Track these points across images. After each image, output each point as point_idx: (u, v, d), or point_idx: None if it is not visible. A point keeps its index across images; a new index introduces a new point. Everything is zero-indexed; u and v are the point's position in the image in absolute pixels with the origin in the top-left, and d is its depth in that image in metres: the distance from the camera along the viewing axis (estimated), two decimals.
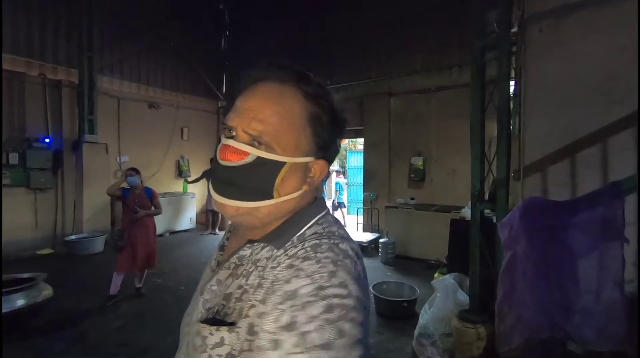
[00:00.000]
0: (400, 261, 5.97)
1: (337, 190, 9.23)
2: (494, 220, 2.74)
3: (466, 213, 4.54)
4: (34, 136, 6.43)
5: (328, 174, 0.63)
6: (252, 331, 0.51)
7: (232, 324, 0.53)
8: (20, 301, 3.24)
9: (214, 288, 0.60)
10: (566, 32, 2.41)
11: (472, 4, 3.02)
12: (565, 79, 2.43)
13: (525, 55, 2.63)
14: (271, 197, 0.56)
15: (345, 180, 12.87)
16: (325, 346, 0.45)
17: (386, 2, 7.46)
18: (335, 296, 0.48)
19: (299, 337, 0.45)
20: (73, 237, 6.51)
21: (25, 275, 3.64)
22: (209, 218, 8.07)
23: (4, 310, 3.04)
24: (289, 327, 0.46)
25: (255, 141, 0.55)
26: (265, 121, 0.54)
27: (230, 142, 0.56)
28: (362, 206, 8.05)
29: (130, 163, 7.17)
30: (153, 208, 4.29)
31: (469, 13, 3.95)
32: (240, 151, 0.55)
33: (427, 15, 7.01)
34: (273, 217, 0.59)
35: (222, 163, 0.56)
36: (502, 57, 2.67)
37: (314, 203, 0.64)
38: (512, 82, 3.14)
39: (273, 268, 0.54)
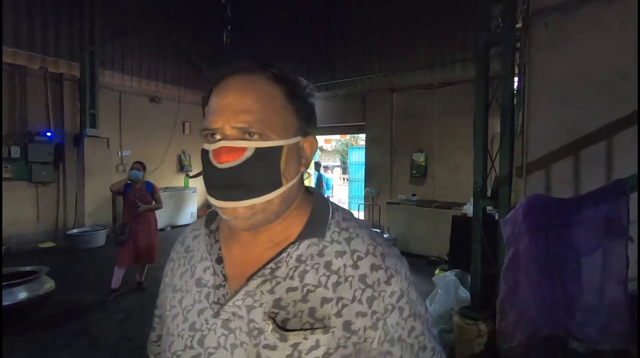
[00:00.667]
0: None
1: (323, 184, 9.15)
2: (496, 217, 2.73)
3: (468, 209, 4.53)
4: (35, 130, 6.44)
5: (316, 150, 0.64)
6: (349, 329, 0.54)
7: (324, 327, 0.54)
8: (22, 295, 3.25)
9: (240, 302, 0.55)
10: (572, 28, 2.38)
11: None
12: (570, 75, 2.39)
13: (529, 51, 2.60)
14: (281, 185, 0.54)
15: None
16: (426, 308, 0.62)
17: None
18: (409, 273, 0.60)
19: (422, 317, 0.59)
20: (75, 231, 6.54)
21: (28, 268, 3.66)
22: (207, 214, 8.09)
23: (6, 303, 3.05)
24: (414, 316, 0.58)
25: (246, 134, 0.53)
26: (249, 110, 0.53)
27: (223, 143, 0.52)
28: (363, 202, 8.04)
29: (132, 157, 7.17)
30: (154, 202, 4.29)
31: (473, 8, 3.91)
32: (237, 148, 0.52)
33: (430, 11, 6.95)
34: (285, 206, 0.57)
35: (221, 166, 0.52)
36: (506, 53, 2.64)
37: (311, 190, 0.67)
38: (516, 78, 3.12)
39: (351, 266, 0.57)
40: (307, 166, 0.61)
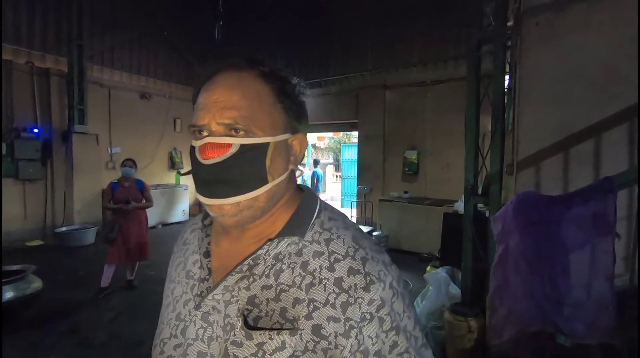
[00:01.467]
0: (393, 254, 5.95)
1: (316, 180, 9.17)
2: (487, 214, 2.76)
3: (459, 207, 4.57)
4: (22, 126, 6.31)
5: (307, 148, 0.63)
6: (319, 333, 0.51)
7: (292, 328, 0.52)
8: (9, 294, 3.19)
9: (219, 296, 0.56)
10: (563, 26, 2.40)
11: None
12: (561, 73, 2.42)
13: (520, 49, 2.62)
14: (266, 182, 0.55)
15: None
16: (415, 323, 0.56)
17: None
18: (397, 284, 0.56)
19: (405, 332, 0.54)
20: (63, 229, 6.43)
21: (14, 267, 3.59)
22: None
23: None
24: (396, 329, 0.53)
25: (232, 130, 0.53)
26: (236, 107, 0.53)
27: (208, 139, 0.53)
28: (355, 199, 8.06)
29: (122, 154, 7.08)
30: (144, 200, 4.24)
31: (465, 6, 3.92)
32: (222, 144, 0.52)
33: (423, 8, 6.96)
34: (271, 203, 0.57)
35: (206, 162, 0.53)
36: (497, 51, 2.66)
37: (299, 186, 0.66)
38: (507, 77, 3.14)
39: (327, 268, 0.54)
40: (297, 164, 0.61)
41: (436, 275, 3.13)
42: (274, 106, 0.56)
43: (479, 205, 2.91)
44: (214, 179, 0.53)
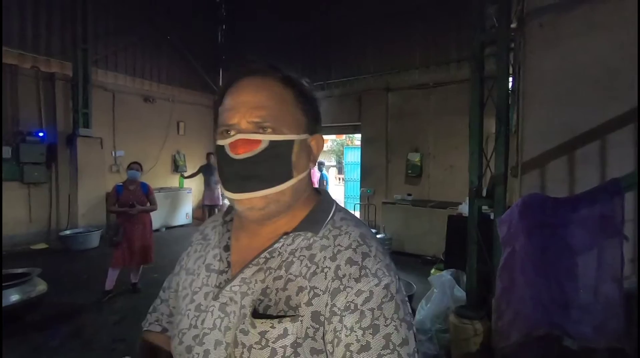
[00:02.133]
0: (397, 257, 5.98)
1: (325, 182, 9.20)
2: (492, 217, 2.74)
3: (463, 209, 4.55)
4: (27, 130, 6.35)
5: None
6: (317, 319, 0.53)
7: (293, 315, 0.53)
8: (14, 297, 3.21)
9: (237, 288, 0.59)
10: (566, 28, 2.39)
11: None
12: (564, 75, 2.41)
13: (524, 51, 2.61)
14: (292, 177, 0.58)
15: (342, 175, 12.87)
16: (404, 342, 0.52)
17: None
18: (397, 291, 0.55)
19: (385, 339, 0.50)
20: (68, 232, 6.46)
21: (20, 270, 3.61)
22: (206, 213, 8.03)
23: None
24: (374, 328, 0.51)
25: (260, 128, 0.57)
26: (264, 107, 0.57)
27: (240, 135, 0.56)
28: (359, 202, 8.05)
29: (126, 157, 7.12)
30: (149, 204, 4.26)
31: (468, 8, 3.92)
32: (252, 140, 0.56)
33: (426, 10, 6.97)
34: (295, 198, 0.61)
35: (237, 157, 0.56)
36: (501, 53, 2.66)
37: (320, 190, 0.70)
38: (510, 78, 3.13)
39: (330, 258, 0.56)
40: (315, 163, 0.64)
41: (441, 277, 3.11)
42: (296, 107, 0.61)
43: (484, 207, 2.90)
44: (244, 174, 0.56)
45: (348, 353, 0.50)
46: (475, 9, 2.94)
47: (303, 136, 0.61)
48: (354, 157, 11.77)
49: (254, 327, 0.54)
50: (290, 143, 0.58)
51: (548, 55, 2.48)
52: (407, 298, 0.57)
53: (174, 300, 0.74)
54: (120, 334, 3.28)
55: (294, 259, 0.58)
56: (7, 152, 5.99)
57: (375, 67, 7.77)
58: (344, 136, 16.23)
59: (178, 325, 0.65)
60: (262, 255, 0.59)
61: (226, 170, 0.58)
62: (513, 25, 2.99)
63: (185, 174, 8.65)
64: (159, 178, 8.50)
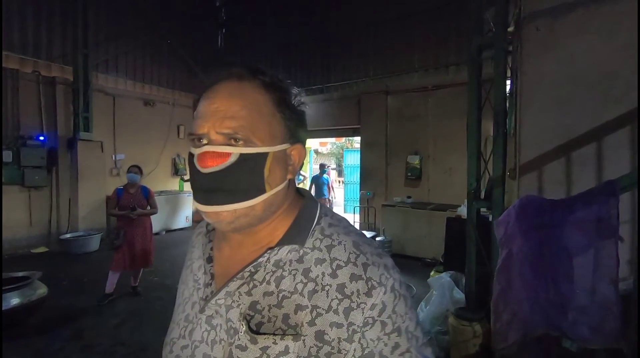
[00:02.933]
0: (397, 259, 5.97)
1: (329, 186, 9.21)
2: (490, 219, 2.75)
3: (462, 211, 4.56)
4: (28, 134, 6.38)
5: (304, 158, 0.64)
6: (322, 339, 0.52)
7: (294, 333, 0.53)
8: (15, 300, 3.21)
9: (222, 301, 0.58)
10: (563, 32, 2.42)
11: (470, 2, 3.02)
12: (561, 78, 2.43)
13: (521, 54, 2.64)
14: (264, 191, 0.55)
15: (341, 178, 12.88)
16: (417, 326, 0.57)
17: (384, 1, 7.45)
18: (399, 286, 0.56)
19: (407, 333, 0.55)
20: (68, 235, 6.47)
21: (20, 274, 3.62)
22: None
23: None
24: (397, 331, 0.54)
25: (231, 139, 0.53)
26: (236, 117, 0.53)
27: (207, 148, 0.53)
28: (358, 204, 8.06)
29: (126, 161, 7.14)
30: (149, 207, 4.27)
31: (466, 12, 3.95)
32: (221, 153, 0.53)
33: (424, 14, 7.01)
34: (269, 212, 0.58)
35: (204, 170, 0.53)
36: (498, 56, 2.68)
37: (302, 193, 0.67)
38: (508, 81, 3.16)
39: (329, 275, 0.55)
40: (295, 174, 0.61)
41: (440, 279, 3.12)
42: (274, 116, 0.56)
43: (482, 209, 2.91)
44: (211, 187, 0.54)
45: None
46: (473, 13, 2.97)
47: (280, 147, 0.57)
48: (353, 160, 11.80)
49: (254, 342, 0.53)
50: (263, 155, 0.54)
51: (545, 58, 2.50)
52: (403, 281, 0.58)
53: None
54: (120, 337, 3.29)
55: (285, 273, 0.56)
56: (7, 156, 6.02)
57: (375, 70, 7.81)
58: (343, 139, 16.25)
59: (170, 333, 0.66)
60: (247, 269, 0.57)
61: (194, 181, 0.55)
62: (510, 29, 3.02)
63: (186, 178, 8.67)
64: (159, 181, 8.52)
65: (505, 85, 2.75)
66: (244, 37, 9.70)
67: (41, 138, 6.52)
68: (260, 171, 0.54)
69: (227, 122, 0.53)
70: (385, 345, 0.53)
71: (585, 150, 2.31)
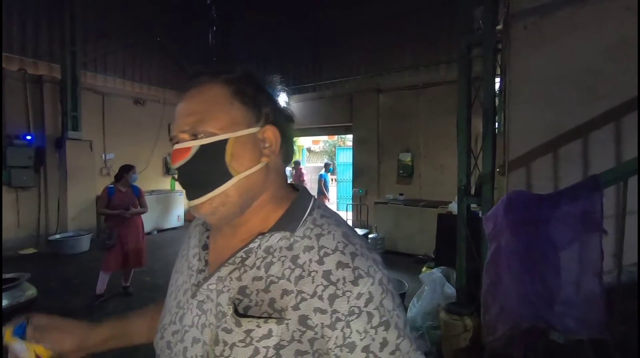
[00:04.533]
0: (390, 256, 6.03)
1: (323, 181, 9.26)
2: (480, 214, 2.79)
3: (453, 207, 4.61)
4: (14, 133, 6.27)
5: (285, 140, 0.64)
6: (305, 323, 0.53)
7: (279, 317, 0.54)
8: (3, 302, 3.16)
9: (213, 286, 0.59)
10: (550, 30, 2.45)
11: (459, 1, 3.05)
12: (548, 75, 2.47)
13: (510, 52, 2.67)
14: (230, 176, 0.57)
15: (334, 176, 12.93)
16: (406, 323, 0.57)
17: (376, 0, 7.47)
18: (388, 282, 0.57)
19: (396, 329, 0.55)
20: (57, 236, 6.38)
21: (8, 275, 3.56)
22: None
23: None
24: (385, 325, 0.54)
25: (193, 136, 0.57)
26: (192, 113, 0.58)
27: (175, 146, 0.59)
28: (351, 202, 8.09)
29: (117, 160, 7.06)
30: (139, 206, 4.24)
31: (456, 11, 3.98)
32: (183, 149, 0.57)
33: (416, 13, 7.05)
34: (247, 197, 0.59)
35: (174, 166, 0.58)
36: (487, 54, 2.71)
37: (298, 187, 0.69)
38: (498, 79, 3.20)
39: (316, 261, 0.55)
40: (273, 155, 0.61)
41: (431, 275, 3.16)
42: (231, 104, 0.59)
43: (472, 205, 2.95)
44: (186, 182, 0.59)
45: (371, 355, 0.53)
46: (462, 11, 3.00)
47: (244, 131, 0.58)
48: (346, 158, 11.83)
49: (239, 325, 0.54)
50: (222, 142, 0.57)
51: (532, 56, 2.54)
52: (392, 279, 0.60)
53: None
54: None
55: (274, 259, 0.57)
56: None
57: (366, 68, 7.84)
58: (335, 137, 16.28)
59: (162, 321, 0.67)
60: (238, 255, 0.59)
61: (177, 179, 0.61)
62: (499, 27, 3.06)
63: (177, 177, 8.61)
64: (150, 180, 8.44)
65: (494, 82, 2.78)
66: (235, 35, 9.64)
67: (28, 137, 6.41)
68: (221, 157, 0.57)
69: (186, 119, 0.58)
70: (373, 339, 0.53)
71: (572, 146, 2.36)
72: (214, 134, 0.57)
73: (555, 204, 1.58)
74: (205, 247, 0.67)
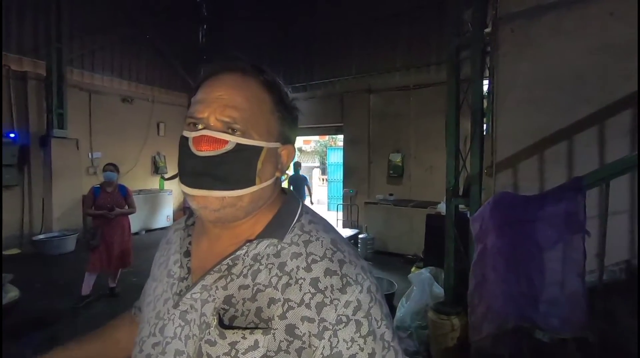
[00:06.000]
0: (379, 256, 6.07)
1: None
2: (468, 215, 2.82)
3: (442, 208, 4.66)
4: None
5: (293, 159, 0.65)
6: (292, 333, 0.51)
7: (265, 327, 0.52)
8: None
9: (197, 295, 0.56)
10: (537, 33, 2.49)
11: (449, 3, 3.08)
12: (535, 78, 2.51)
13: (497, 54, 2.71)
14: (254, 184, 0.55)
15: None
16: (393, 336, 0.55)
17: (367, 1, 7.49)
18: (376, 291, 0.56)
19: (382, 340, 0.53)
20: (42, 236, 6.25)
21: None
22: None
23: None
24: (373, 335, 0.52)
25: (229, 129, 0.54)
26: (238, 108, 0.54)
27: (205, 132, 0.53)
28: (342, 202, 8.10)
29: (103, 159, 6.94)
30: (127, 206, 4.17)
31: (446, 13, 4.02)
32: (219, 139, 0.53)
33: (407, 14, 7.09)
34: (255, 206, 0.58)
35: (200, 153, 0.53)
36: (475, 56, 2.74)
37: (286, 191, 0.67)
38: (487, 81, 3.24)
39: (304, 268, 0.54)
40: (282, 173, 0.62)
41: (420, 275, 3.18)
42: (272, 114, 0.58)
43: (460, 206, 2.98)
44: (204, 171, 0.53)
45: None
46: (452, 14, 3.03)
47: (274, 145, 0.58)
48: (337, 158, 11.85)
49: (223, 337, 0.52)
50: (258, 149, 0.55)
51: (519, 59, 2.58)
52: (380, 287, 0.58)
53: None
54: None
55: (261, 267, 0.55)
56: None
57: (357, 69, 7.85)
58: (327, 137, 16.30)
59: (140, 333, 0.64)
60: (225, 262, 0.56)
61: (186, 163, 0.55)
62: (488, 30, 3.09)
63: (166, 176, 8.48)
64: (138, 179, 8.31)
65: (482, 84, 2.81)
66: (225, 34, 9.56)
67: (12, 135, 6.24)
68: (254, 163, 0.55)
69: (229, 111, 0.54)
70: (361, 349, 0.51)
71: (558, 148, 2.40)
72: (252, 138, 0.55)
73: (540, 206, 1.60)
74: (187, 254, 0.64)
